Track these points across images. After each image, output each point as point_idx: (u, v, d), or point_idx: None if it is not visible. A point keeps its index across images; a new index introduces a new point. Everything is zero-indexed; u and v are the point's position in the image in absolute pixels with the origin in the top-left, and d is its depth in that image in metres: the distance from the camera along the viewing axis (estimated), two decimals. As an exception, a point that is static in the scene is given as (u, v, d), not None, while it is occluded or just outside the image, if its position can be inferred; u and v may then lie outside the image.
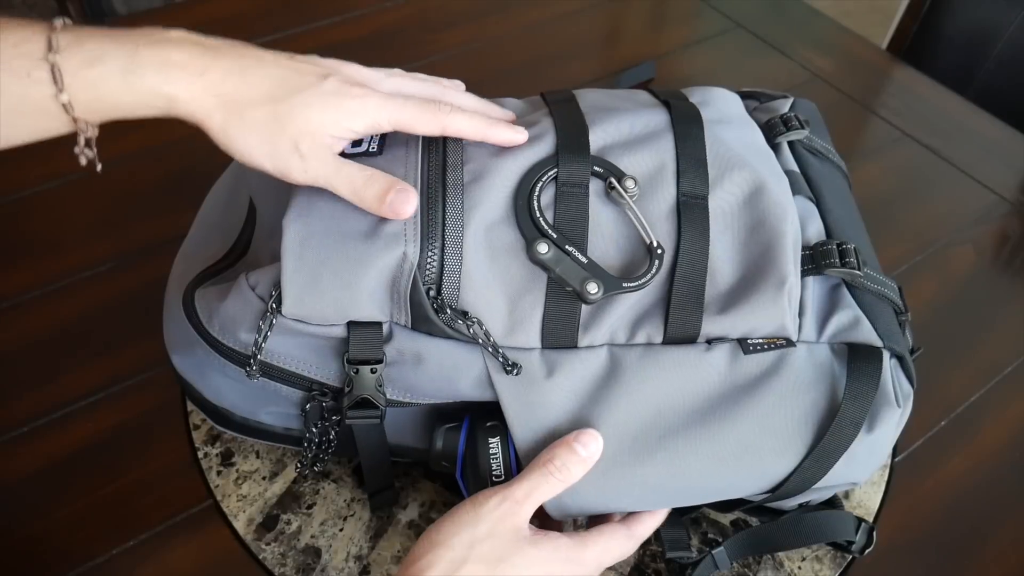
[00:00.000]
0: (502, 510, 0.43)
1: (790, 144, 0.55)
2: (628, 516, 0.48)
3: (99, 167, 0.45)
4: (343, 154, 0.46)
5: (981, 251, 0.75)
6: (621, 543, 0.46)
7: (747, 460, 0.45)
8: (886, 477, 0.58)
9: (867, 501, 0.57)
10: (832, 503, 0.52)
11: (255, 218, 0.53)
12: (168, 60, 0.42)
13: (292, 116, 0.43)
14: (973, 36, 1.02)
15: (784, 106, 0.57)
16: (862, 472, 0.48)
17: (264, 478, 0.55)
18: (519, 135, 0.47)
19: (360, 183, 0.43)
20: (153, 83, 0.41)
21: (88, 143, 0.43)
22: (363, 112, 0.44)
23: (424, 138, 0.47)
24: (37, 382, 0.59)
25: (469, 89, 0.52)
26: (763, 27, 0.97)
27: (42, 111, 0.41)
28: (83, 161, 0.44)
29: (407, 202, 0.43)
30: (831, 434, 0.45)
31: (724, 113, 0.52)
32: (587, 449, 0.44)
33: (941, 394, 0.63)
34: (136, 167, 0.74)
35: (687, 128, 0.49)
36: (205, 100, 0.42)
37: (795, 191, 0.50)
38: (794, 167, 0.53)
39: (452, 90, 0.50)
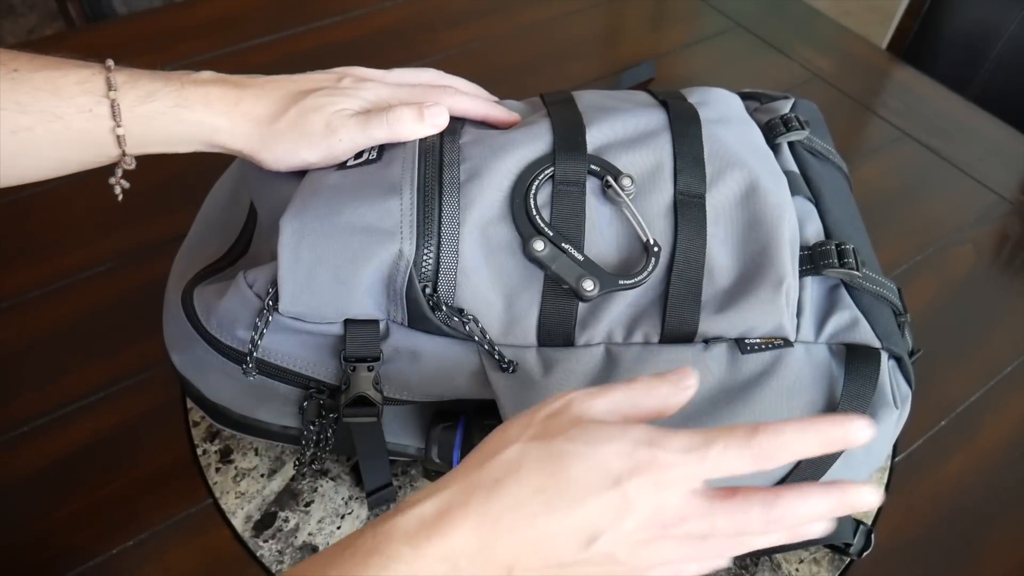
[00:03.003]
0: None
1: (790, 145, 0.55)
2: None
3: (120, 197, 0.50)
4: (344, 165, 0.48)
5: (981, 251, 0.75)
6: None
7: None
8: (885, 478, 0.58)
9: (866, 501, 0.57)
10: (831, 503, 0.52)
11: (255, 218, 0.54)
12: (209, 95, 0.47)
13: (315, 105, 0.48)
14: (973, 36, 1.02)
15: (785, 107, 0.57)
16: (859, 474, 0.48)
17: (262, 475, 0.55)
18: (515, 116, 0.51)
19: (391, 119, 0.47)
20: (200, 116, 0.47)
21: (125, 175, 0.48)
22: (377, 99, 0.49)
23: (420, 141, 0.48)
24: (37, 382, 0.59)
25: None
26: (763, 27, 0.97)
27: (97, 144, 0.46)
28: (117, 191, 0.49)
29: (442, 112, 0.48)
30: None
31: (723, 113, 0.52)
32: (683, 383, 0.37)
33: (941, 394, 0.63)
34: (136, 167, 0.73)
35: (685, 127, 0.49)
36: (243, 125, 0.47)
37: (794, 191, 0.50)
38: (794, 168, 0.53)
39: (450, 76, 0.54)
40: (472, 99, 0.51)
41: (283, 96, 0.48)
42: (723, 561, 0.37)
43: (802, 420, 0.35)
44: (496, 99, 0.54)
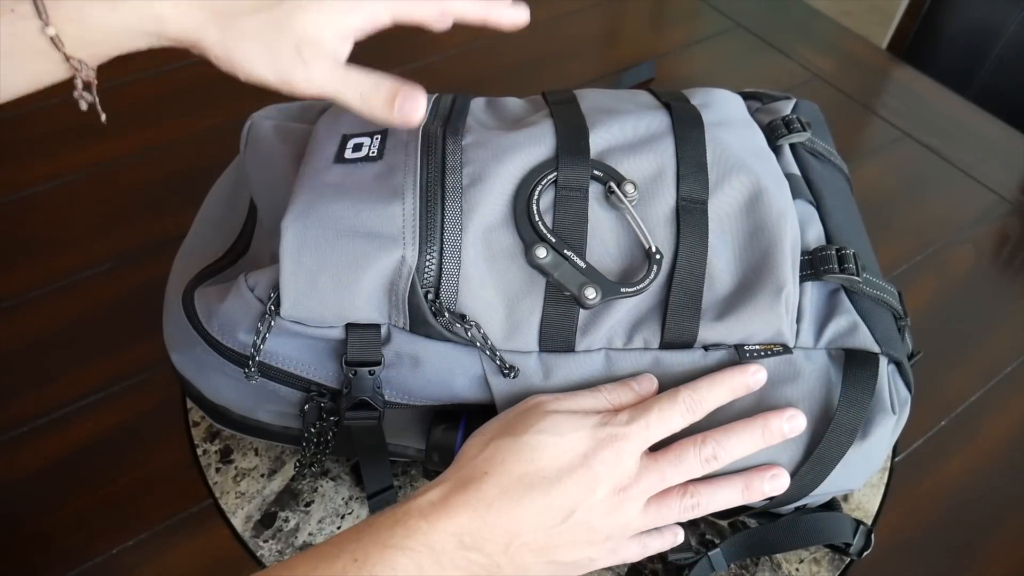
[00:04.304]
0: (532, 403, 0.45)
1: (792, 146, 0.55)
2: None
3: (103, 116, 0.43)
4: (343, 158, 0.46)
5: (981, 251, 0.75)
6: (635, 552, 0.46)
7: (742, 468, 0.46)
8: (885, 478, 0.58)
9: (866, 503, 0.57)
10: (830, 505, 0.52)
11: (255, 216, 0.53)
12: None
13: (290, 19, 0.41)
14: (973, 36, 1.02)
15: (786, 107, 0.57)
16: (857, 480, 0.48)
17: (263, 475, 0.55)
18: (521, 13, 0.47)
19: (368, 88, 0.42)
20: (138, 3, 0.40)
21: (87, 87, 0.42)
22: (359, 4, 0.43)
23: (423, 141, 0.47)
24: (37, 382, 0.59)
25: (469, 89, 0.52)
26: (763, 27, 0.97)
27: (33, 51, 0.39)
28: (83, 106, 0.42)
29: (417, 106, 0.42)
30: (826, 441, 0.45)
31: (725, 115, 0.52)
32: (640, 385, 0.45)
33: (941, 394, 0.63)
34: (136, 167, 0.74)
35: (688, 131, 0.48)
36: (195, 14, 0.41)
37: (795, 194, 0.50)
38: (795, 170, 0.53)
39: None
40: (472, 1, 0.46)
41: None
42: (680, 535, 0.47)
43: (712, 376, 0.45)
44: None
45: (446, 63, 0.89)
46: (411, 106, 0.42)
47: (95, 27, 0.40)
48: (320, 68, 0.42)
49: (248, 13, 0.41)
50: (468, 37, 0.93)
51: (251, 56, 0.41)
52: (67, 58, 0.40)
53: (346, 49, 0.43)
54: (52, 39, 0.39)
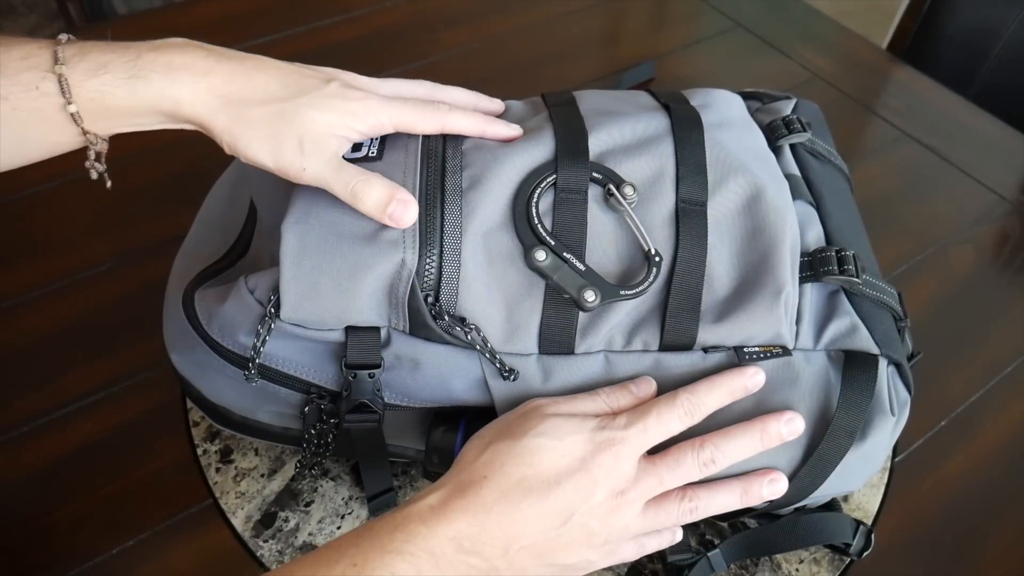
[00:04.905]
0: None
1: (792, 147, 0.55)
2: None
3: (108, 183, 0.46)
4: (343, 157, 0.46)
5: (981, 251, 0.75)
6: (633, 552, 0.46)
7: (741, 471, 0.46)
8: (885, 478, 0.58)
9: (866, 503, 0.57)
10: (830, 505, 0.52)
11: (255, 218, 0.53)
12: (172, 63, 0.43)
13: (297, 115, 0.43)
14: (973, 36, 1.02)
15: (787, 108, 0.57)
16: (856, 481, 0.48)
17: (263, 475, 0.55)
18: (514, 131, 0.48)
19: (360, 188, 0.44)
20: (158, 87, 0.42)
21: (98, 157, 0.45)
22: (366, 113, 0.45)
23: (423, 142, 0.47)
24: (37, 382, 0.59)
25: (469, 89, 0.52)
26: (763, 27, 0.97)
27: (52, 124, 0.42)
28: (93, 175, 0.45)
29: (407, 213, 0.43)
30: (825, 443, 0.45)
31: (725, 116, 0.52)
32: (638, 388, 0.45)
33: (941, 394, 0.63)
34: (136, 167, 0.74)
35: (687, 133, 0.48)
36: (210, 101, 0.43)
37: (795, 195, 0.50)
38: (795, 171, 0.53)
39: (445, 88, 0.51)
40: (468, 116, 0.48)
41: (265, 84, 0.44)
42: (678, 534, 0.47)
43: (710, 379, 0.45)
44: (497, 104, 0.52)
45: (446, 63, 0.89)
46: (402, 210, 0.43)
47: (114, 107, 0.42)
48: (318, 161, 0.44)
49: (259, 104, 0.43)
50: (468, 38, 0.93)
51: (255, 143, 0.44)
52: (84, 132, 0.43)
53: (344, 148, 0.45)
54: (72, 115, 0.42)
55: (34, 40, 0.42)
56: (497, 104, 0.52)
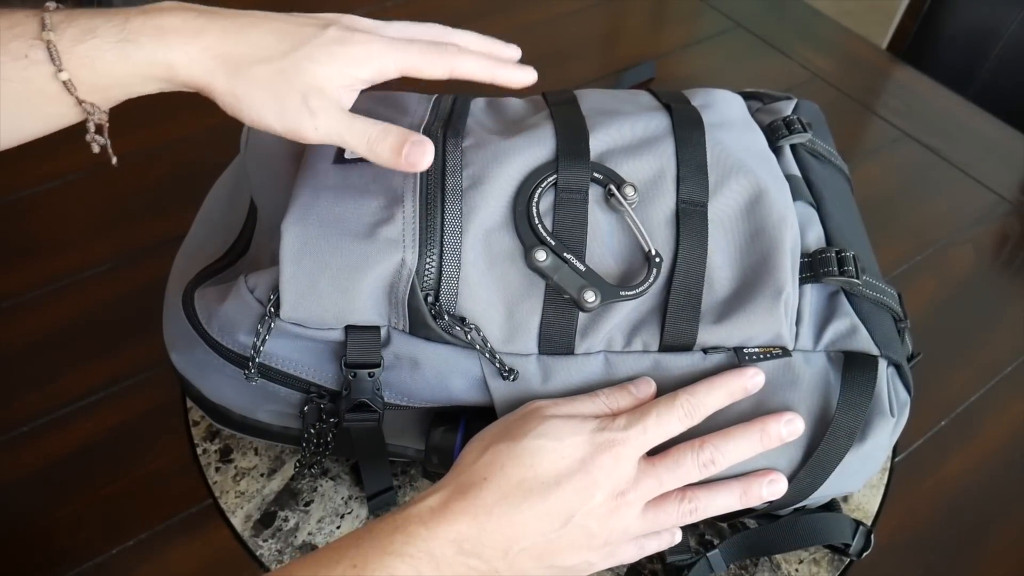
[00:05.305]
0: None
1: (792, 147, 0.55)
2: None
3: (114, 159, 0.45)
4: (343, 159, 0.46)
5: (981, 251, 0.75)
6: (632, 553, 0.46)
7: (741, 471, 0.46)
8: (885, 479, 0.58)
9: (866, 504, 0.57)
10: (830, 506, 0.52)
11: (256, 217, 0.53)
12: (162, 26, 0.41)
13: (297, 70, 0.42)
14: (973, 36, 1.02)
15: (787, 108, 0.57)
16: (855, 482, 0.49)
17: (262, 475, 0.55)
18: (528, 75, 0.47)
19: (375, 136, 0.43)
20: (149, 51, 0.41)
21: (99, 130, 0.43)
22: (368, 58, 0.43)
23: None
24: (37, 382, 0.59)
25: (469, 89, 0.52)
26: (763, 27, 0.97)
27: (46, 95, 0.41)
28: (95, 148, 0.43)
29: (424, 153, 0.42)
30: (825, 444, 0.45)
31: (726, 116, 0.52)
32: (638, 389, 0.45)
33: (941, 394, 0.63)
34: (136, 167, 0.74)
35: (688, 133, 0.48)
36: (205, 62, 0.41)
37: (796, 196, 0.50)
38: (795, 171, 0.53)
39: (457, 31, 0.49)
40: (477, 60, 0.46)
41: (260, 39, 0.42)
42: (678, 535, 0.47)
43: (710, 380, 0.45)
44: (514, 50, 0.50)
45: (446, 63, 0.89)
46: (418, 151, 0.42)
47: (107, 73, 0.41)
48: (326, 117, 0.42)
49: (257, 62, 0.42)
50: (468, 37, 0.93)
51: (258, 104, 0.42)
52: (79, 102, 0.41)
53: (352, 98, 0.44)
54: (65, 83, 0.40)
55: (20, 9, 0.40)
56: (513, 50, 0.50)
